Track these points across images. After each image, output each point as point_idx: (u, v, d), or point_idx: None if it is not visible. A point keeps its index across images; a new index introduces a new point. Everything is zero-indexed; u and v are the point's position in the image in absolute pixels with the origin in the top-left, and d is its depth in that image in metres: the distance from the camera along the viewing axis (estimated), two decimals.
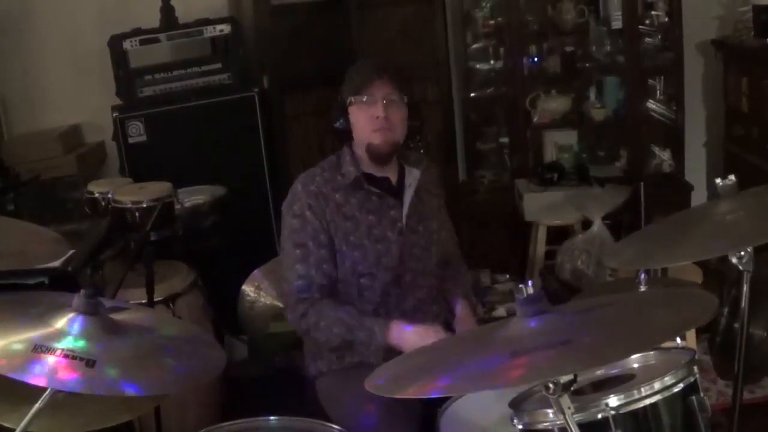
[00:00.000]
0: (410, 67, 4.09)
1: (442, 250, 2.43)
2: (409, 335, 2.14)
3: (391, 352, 2.12)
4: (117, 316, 1.54)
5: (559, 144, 4.32)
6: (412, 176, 2.33)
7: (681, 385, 1.52)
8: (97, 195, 3.11)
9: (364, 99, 2.23)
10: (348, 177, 2.27)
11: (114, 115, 3.77)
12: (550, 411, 1.48)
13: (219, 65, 3.92)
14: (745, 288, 1.80)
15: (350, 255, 2.25)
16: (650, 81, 4.51)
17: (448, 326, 2.34)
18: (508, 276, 4.11)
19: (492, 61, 4.45)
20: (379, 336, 2.15)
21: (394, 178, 2.34)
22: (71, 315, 1.47)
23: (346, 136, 2.31)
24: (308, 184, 2.28)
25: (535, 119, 4.36)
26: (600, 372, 1.70)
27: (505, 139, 4.52)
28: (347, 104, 2.27)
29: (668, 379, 1.51)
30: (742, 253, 1.73)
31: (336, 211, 2.25)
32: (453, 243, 2.53)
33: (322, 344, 2.28)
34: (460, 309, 2.39)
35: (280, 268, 2.36)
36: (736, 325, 2.65)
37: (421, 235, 2.34)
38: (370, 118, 2.22)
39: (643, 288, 2.19)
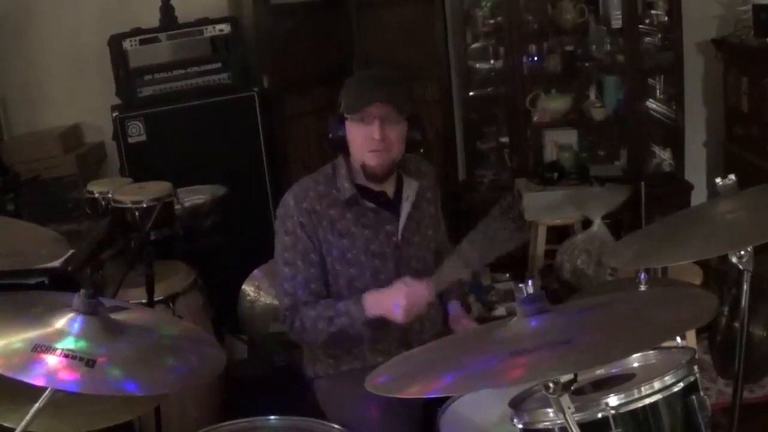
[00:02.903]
0: (410, 67, 4.11)
1: (437, 251, 2.43)
2: (382, 299, 2.14)
3: (380, 322, 2.14)
4: (117, 316, 1.54)
5: (559, 143, 4.32)
6: (411, 188, 2.28)
7: (681, 385, 1.52)
8: (97, 195, 3.11)
9: (360, 118, 2.17)
10: (343, 193, 2.23)
11: (114, 114, 3.77)
12: (550, 410, 1.48)
13: (219, 65, 3.92)
14: (746, 287, 1.80)
15: (346, 273, 2.23)
16: (650, 80, 4.51)
17: (447, 329, 2.34)
18: (508, 275, 4.11)
19: (492, 61, 4.45)
20: (357, 314, 2.15)
21: (391, 191, 2.29)
22: (71, 315, 1.47)
23: (343, 147, 2.25)
24: (301, 200, 2.22)
25: (535, 118, 4.36)
26: (600, 371, 1.70)
27: (505, 139, 4.52)
28: (344, 117, 2.21)
29: (668, 379, 1.52)
30: (743, 252, 1.74)
31: (330, 229, 2.22)
32: (445, 243, 2.52)
33: (319, 348, 2.28)
34: (456, 310, 2.39)
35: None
36: (736, 325, 2.65)
37: (417, 246, 2.31)
38: (366, 138, 2.16)
39: (643, 288, 2.19)
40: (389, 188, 2.29)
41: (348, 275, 2.23)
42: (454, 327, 2.34)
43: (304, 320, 2.20)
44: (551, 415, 1.49)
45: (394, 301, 2.11)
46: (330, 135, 2.25)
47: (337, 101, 2.25)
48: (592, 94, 4.41)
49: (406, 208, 2.27)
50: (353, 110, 2.18)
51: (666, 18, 4.25)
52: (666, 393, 1.51)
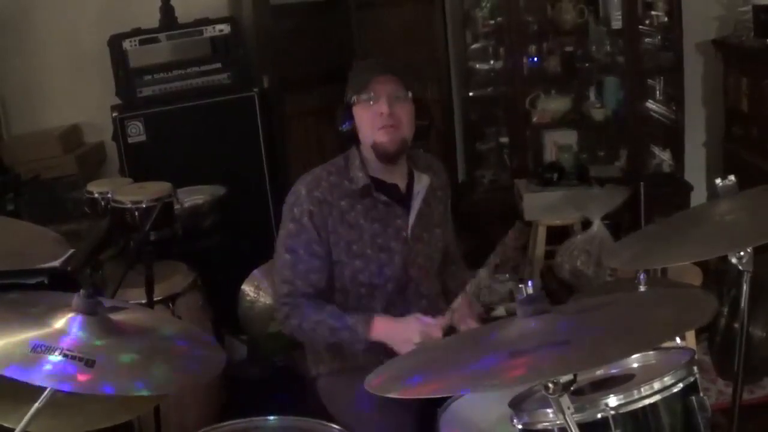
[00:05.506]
0: (410, 67, 4.11)
1: (444, 251, 2.43)
2: (392, 329, 2.13)
3: (382, 347, 2.12)
4: (116, 316, 1.54)
5: (559, 144, 4.33)
6: (422, 184, 2.27)
7: (681, 385, 1.52)
8: (96, 195, 3.11)
9: (368, 97, 2.17)
10: (356, 183, 2.22)
11: (114, 115, 3.77)
12: (549, 411, 1.48)
13: (219, 65, 3.92)
14: (745, 288, 1.80)
15: (351, 264, 2.22)
16: (650, 81, 4.51)
17: (452, 328, 2.34)
18: (507, 276, 4.11)
19: (492, 61, 4.46)
20: (362, 334, 2.14)
21: (402, 185, 2.29)
22: (71, 315, 1.46)
23: (353, 139, 2.24)
24: (313, 189, 2.21)
25: (534, 119, 4.36)
26: (600, 372, 1.70)
27: (504, 139, 4.52)
28: (351, 104, 2.21)
29: (668, 379, 1.51)
30: (742, 253, 1.74)
31: (339, 220, 2.20)
32: (453, 242, 2.52)
33: (322, 348, 2.28)
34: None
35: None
36: (736, 325, 2.65)
37: (426, 243, 2.31)
38: (375, 116, 2.16)
39: (642, 288, 2.19)
40: (401, 182, 2.29)
41: (353, 267, 2.22)
42: (457, 327, 2.34)
43: (303, 319, 2.19)
44: (551, 415, 1.49)
45: (406, 336, 2.09)
46: (339, 127, 2.24)
47: (338, 102, 2.25)
48: (592, 95, 4.42)
49: (416, 203, 2.26)
50: (360, 88, 2.18)
51: (666, 18, 4.25)
52: (665, 394, 1.51)
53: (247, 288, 3.04)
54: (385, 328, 2.14)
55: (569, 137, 4.37)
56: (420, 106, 2.25)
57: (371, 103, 2.17)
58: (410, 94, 2.20)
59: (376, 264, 2.23)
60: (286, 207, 2.25)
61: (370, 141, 2.20)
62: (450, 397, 1.95)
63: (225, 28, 3.89)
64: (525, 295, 1.44)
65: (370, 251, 2.22)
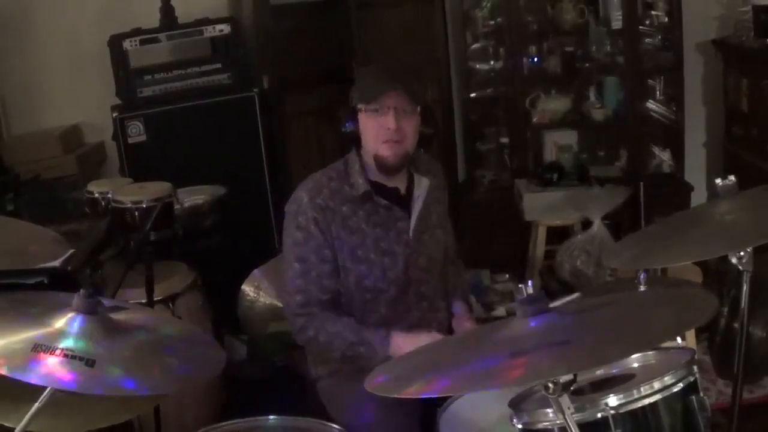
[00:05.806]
0: (411, 68, 4.11)
1: (444, 252, 2.42)
2: (410, 346, 2.08)
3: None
4: (117, 316, 1.54)
5: (559, 144, 4.33)
6: (422, 187, 2.27)
7: (681, 385, 1.52)
8: (96, 195, 3.11)
9: (375, 107, 2.15)
10: (356, 189, 2.21)
11: (114, 115, 3.77)
12: (549, 411, 1.48)
13: (219, 65, 3.92)
14: (745, 288, 1.80)
15: (355, 270, 2.21)
16: (650, 81, 4.51)
17: (450, 331, 2.33)
18: (508, 276, 4.12)
19: (492, 61, 4.45)
20: (381, 351, 2.12)
21: (402, 188, 2.28)
22: (71, 314, 1.47)
23: (354, 141, 2.23)
24: (315, 196, 2.20)
25: (535, 119, 4.36)
26: (600, 372, 1.70)
27: (505, 139, 4.52)
28: (357, 109, 2.20)
29: (668, 379, 1.52)
30: (742, 253, 1.74)
31: (342, 225, 2.19)
32: (452, 243, 2.52)
33: (335, 357, 2.27)
34: (458, 310, 2.39)
35: (281, 267, 2.34)
36: (736, 325, 2.65)
37: (427, 245, 2.30)
38: (381, 129, 2.14)
39: (643, 288, 2.19)
40: (401, 185, 2.28)
41: (357, 272, 2.21)
42: (456, 327, 2.34)
43: (320, 331, 2.17)
44: (551, 415, 1.49)
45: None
46: (342, 129, 2.22)
47: (338, 102, 2.24)
48: (592, 95, 4.41)
49: (417, 206, 2.26)
50: (369, 99, 2.15)
51: (666, 19, 4.25)
52: (665, 393, 1.51)
53: (247, 288, 3.04)
54: (402, 346, 2.11)
55: (569, 137, 4.36)
56: (426, 114, 2.23)
57: (378, 114, 2.15)
58: (419, 109, 2.19)
59: (380, 268, 2.22)
60: (289, 215, 2.23)
61: (373, 151, 2.19)
62: (450, 397, 1.95)
63: (225, 28, 3.89)
64: (525, 295, 1.44)
65: (374, 256, 2.21)
